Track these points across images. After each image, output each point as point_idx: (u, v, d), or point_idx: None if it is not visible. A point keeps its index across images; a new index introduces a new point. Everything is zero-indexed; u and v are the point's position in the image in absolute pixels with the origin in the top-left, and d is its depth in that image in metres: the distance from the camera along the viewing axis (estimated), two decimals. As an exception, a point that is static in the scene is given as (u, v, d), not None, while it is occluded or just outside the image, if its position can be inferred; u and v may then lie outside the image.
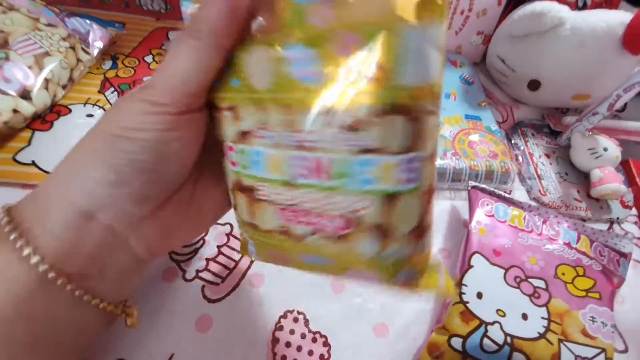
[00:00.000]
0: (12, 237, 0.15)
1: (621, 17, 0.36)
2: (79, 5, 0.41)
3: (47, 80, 0.31)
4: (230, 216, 0.30)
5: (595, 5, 0.41)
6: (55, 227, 0.15)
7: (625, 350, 0.30)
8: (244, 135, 0.17)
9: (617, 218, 0.37)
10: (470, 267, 0.29)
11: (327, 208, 0.16)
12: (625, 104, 0.50)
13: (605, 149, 0.37)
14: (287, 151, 0.16)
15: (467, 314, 0.27)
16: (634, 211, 0.39)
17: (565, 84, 0.40)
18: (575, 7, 0.41)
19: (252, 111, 0.17)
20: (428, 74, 0.14)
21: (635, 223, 0.38)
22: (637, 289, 0.33)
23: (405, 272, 0.17)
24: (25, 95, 0.29)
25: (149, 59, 0.39)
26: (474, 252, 0.29)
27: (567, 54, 0.38)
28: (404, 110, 0.14)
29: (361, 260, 0.17)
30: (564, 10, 0.36)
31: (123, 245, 0.17)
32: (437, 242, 0.33)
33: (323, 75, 0.15)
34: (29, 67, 0.30)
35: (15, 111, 0.28)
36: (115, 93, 0.35)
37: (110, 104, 0.34)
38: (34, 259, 0.15)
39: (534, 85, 0.41)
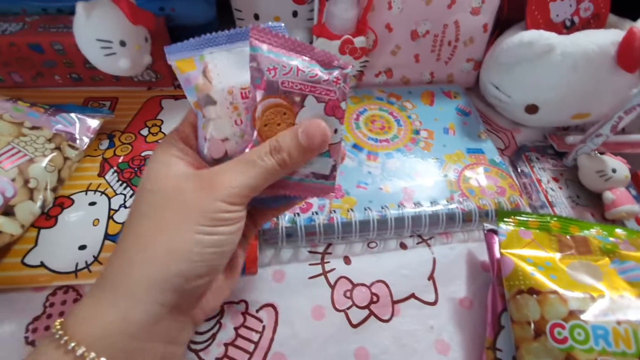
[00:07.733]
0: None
1: (611, 36, 0.36)
2: (72, 85, 0.42)
3: (31, 190, 0.30)
4: (244, 293, 0.30)
5: (583, 23, 0.41)
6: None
7: None
8: (573, 313, 0.22)
9: (636, 237, 0.36)
10: (501, 328, 0.27)
11: None
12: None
13: (614, 170, 0.36)
14: (634, 327, 0.21)
15: None
16: (651, 225, 0.38)
17: (563, 105, 0.39)
18: (563, 27, 0.41)
19: (578, 295, 0.23)
20: None
21: (655, 238, 0.37)
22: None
23: None
24: (8, 211, 0.28)
25: (144, 132, 0.39)
26: (504, 310, 0.27)
27: (561, 77, 0.37)
28: None
29: None
30: (552, 37, 0.36)
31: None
32: (458, 290, 0.32)
33: None
34: (13, 180, 0.29)
35: (-1, 231, 0.27)
36: (116, 174, 0.35)
37: (112, 187, 0.34)
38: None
39: (532, 109, 0.41)
